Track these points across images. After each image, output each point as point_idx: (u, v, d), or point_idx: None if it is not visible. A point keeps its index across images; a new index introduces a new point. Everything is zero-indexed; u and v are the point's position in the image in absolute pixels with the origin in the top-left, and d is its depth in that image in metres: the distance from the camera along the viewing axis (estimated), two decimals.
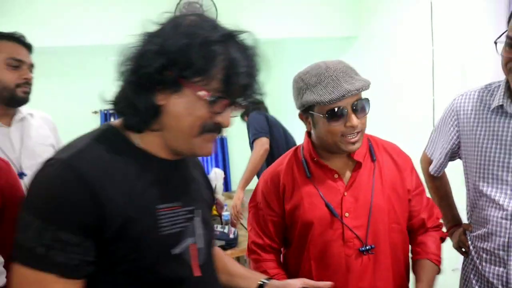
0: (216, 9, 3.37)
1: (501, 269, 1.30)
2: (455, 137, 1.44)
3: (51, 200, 0.80)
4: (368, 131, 1.36)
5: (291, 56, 4.99)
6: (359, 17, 3.74)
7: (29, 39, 1.78)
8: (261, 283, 1.17)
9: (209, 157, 5.29)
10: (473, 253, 1.43)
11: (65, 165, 0.82)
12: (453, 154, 1.49)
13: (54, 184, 0.81)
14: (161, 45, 0.85)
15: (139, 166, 0.89)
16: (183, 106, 0.87)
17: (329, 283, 1.19)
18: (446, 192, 1.66)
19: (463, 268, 1.51)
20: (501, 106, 1.30)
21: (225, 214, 3.01)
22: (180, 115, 0.87)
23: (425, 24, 3.02)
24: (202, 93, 0.86)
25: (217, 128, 0.91)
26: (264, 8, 3.46)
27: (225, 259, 1.23)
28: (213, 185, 2.65)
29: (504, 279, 1.30)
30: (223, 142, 5.43)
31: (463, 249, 1.52)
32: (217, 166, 5.24)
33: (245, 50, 0.89)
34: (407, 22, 3.23)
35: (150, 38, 0.88)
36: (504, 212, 1.28)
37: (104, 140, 0.89)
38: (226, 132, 4.50)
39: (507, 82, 1.29)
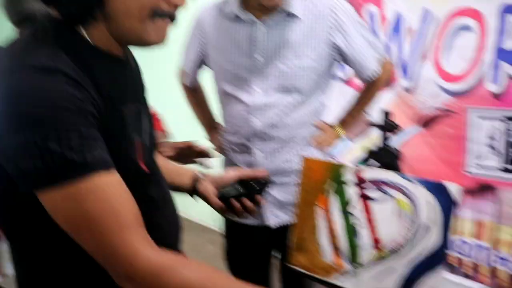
0: None
1: (247, 155, 1.53)
2: (202, 48, 1.59)
3: (62, 101, 0.67)
4: None
5: None
6: None
7: None
8: (196, 176, 1.10)
9: None
10: (228, 148, 1.62)
11: (51, 68, 0.69)
12: (202, 63, 1.65)
13: (54, 86, 0.68)
14: None
15: (99, 66, 0.78)
16: None
17: (264, 170, 1.24)
18: (202, 101, 1.82)
19: (222, 164, 1.69)
20: (236, 14, 1.45)
21: None
22: None
23: None
24: None
25: (171, 12, 0.79)
26: None
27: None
28: None
29: (249, 163, 1.53)
30: None
31: (220, 148, 1.68)
32: None
33: None
34: None
35: None
36: (247, 107, 1.48)
37: (65, 43, 0.74)
38: None
39: None
